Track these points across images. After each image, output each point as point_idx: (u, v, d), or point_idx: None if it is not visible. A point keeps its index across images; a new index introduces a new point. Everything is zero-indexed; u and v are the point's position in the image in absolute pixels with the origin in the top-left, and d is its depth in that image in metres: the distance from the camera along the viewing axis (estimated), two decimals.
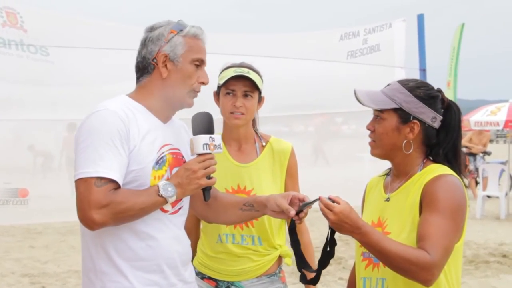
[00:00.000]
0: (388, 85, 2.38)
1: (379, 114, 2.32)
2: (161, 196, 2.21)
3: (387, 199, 2.35)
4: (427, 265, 2.06)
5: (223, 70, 2.96)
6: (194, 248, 3.06)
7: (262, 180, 2.96)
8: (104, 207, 2.12)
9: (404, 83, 2.34)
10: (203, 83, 2.39)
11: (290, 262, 3.06)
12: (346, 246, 8.83)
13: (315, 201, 2.27)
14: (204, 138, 2.29)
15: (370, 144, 2.38)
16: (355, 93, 2.32)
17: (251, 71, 2.92)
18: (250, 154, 3.01)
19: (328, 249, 2.33)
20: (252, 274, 2.96)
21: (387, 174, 2.47)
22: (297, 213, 2.36)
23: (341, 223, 2.12)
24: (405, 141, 2.29)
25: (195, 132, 2.32)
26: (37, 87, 4.84)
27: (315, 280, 2.45)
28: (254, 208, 2.52)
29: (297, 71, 5.56)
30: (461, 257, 2.30)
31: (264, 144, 3.03)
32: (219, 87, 2.96)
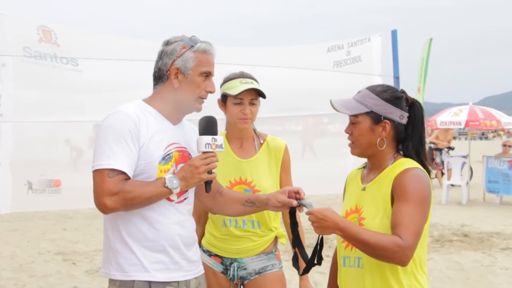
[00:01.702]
0: (358, 92, 2.34)
1: (354, 119, 2.29)
2: (167, 187, 2.21)
3: (363, 189, 2.33)
4: (400, 248, 2.04)
5: (227, 81, 2.93)
6: (203, 230, 3.06)
7: (261, 173, 2.95)
8: (115, 195, 2.14)
9: (372, 89, 2.31)
10: (210, 92, 2.38)
11: (285, 241, 3.06)
12: None
13: (308, 206, 2.27)
14: (206, 138, 2.28)
15: (349, 145, 2.35)
16: (331, 103, 2.30)
17: (254, 81, 2.91)
18: (250, 150, 2.99)
19: (316, 259, 2.34)
20: (252, 252, 2.96)
21: (364, 167, 2.45)
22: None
23: (319, 221, 2.11)
24: (379, 139, 2.27)
25: (200, 133, 2.32)
26: (68, 93, 4.83)
27: (304, 272, 2.47)
28: (256, 205, 2.52)
29: (291, 78, 5.55)
30: (427, 237, 2.28)
31: (262, 141, 3.02)
32: (225, 96, 2.92)
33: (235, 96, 2.85)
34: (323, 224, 2.11)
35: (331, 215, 2.11)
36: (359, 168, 2.48)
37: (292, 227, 2.48)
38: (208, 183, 2.33)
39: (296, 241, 2.47)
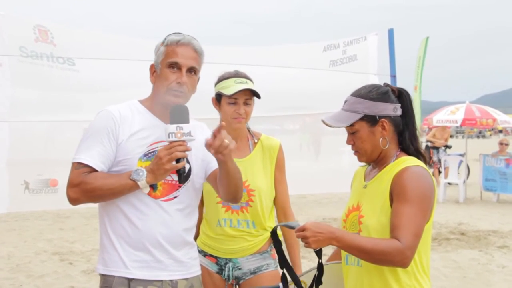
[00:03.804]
0: (345, 102, 2.31)
1: (351, 128, 2.27)
2: (132, 179, 2.21)
3: (365, 186, 2.31)
4: (399, 251, 2.02)
5: (222, 80, 2.90)
6: (197, 231, 3.05)
7: (255, 172, 2.94)
8: (75, 186, 2.23)
9: (357, 93, 2.28)
10: (180, 83, 2.29)
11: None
12: None
13: (296, 225, 2.21)
14: (171, 127, 2.18)
15: (355, 154, 2.32)
16: (323, 122, 2.27)
17: (248, 81, 2.89)
18: (244, 150, 2.98)
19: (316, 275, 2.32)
20: (247, 252, 2.95)
21: (369, 165, 2.42)
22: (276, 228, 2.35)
23: (316, 235, 2.08)
24: (381, 139, 2.25)
25: (170, 123, 2.21)
26: (65, 93, 4.83)
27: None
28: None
29: (287, 78, 5.57)
30: (429, 237, 2.25)
31: (256, 141, 3.01)
32: (220, 95, 2.90)
33: (230, 96, 2.85)
34: (320, 238, 2.08)
35: (326, 227, 2.09)
36: (364, 166, 2.46)
37: (275, 246, 2.43)
38: (179, 174, 2.25)
39: (282, 261, 2.39)
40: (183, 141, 2.19)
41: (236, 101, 2.85)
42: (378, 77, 5.76)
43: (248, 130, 3.03)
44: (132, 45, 5.12)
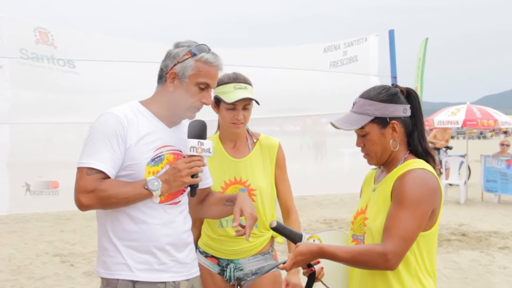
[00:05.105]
0: (354, 104, 2.28)
1: (361, 131, 2.24)
2: (147, 189, 2.20)
3: (374, 189, 2.29)
4: (379, 255, 2.02)
5: (221, 84, 2.86)
6: (199, 232, 3.05)
7: (255, 172, 2.95)
8: (90, 193, 2.16)
9: (366, 95, 2.25)
10: (205, 103, 2.35)
11: (281, 240, 3.06)
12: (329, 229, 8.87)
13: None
14: (192, 141, 2.24)
15: (365, 157, 2.30)
16: (333, 125, 2.26)
17: (247, 85, 2.87)
18: (244, 150, 2.99)
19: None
20: (249, 253, 2.96)
21: (379, 168, 2.39)
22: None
23: (302, 260, 2.15)
24: (391, 141, 2.22)
25: (189, 137, 2.28)
26: (65, 95, 4.84)
27: None
28: (234, 204, 2.49)
29: (288, 79, 5.57)
30: (435, 240, 2.23)
31: (255, 141, 3.02)
32: (219, 99, 2.88)
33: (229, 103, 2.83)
34: (305, 260, 2.14)
35: (304, 250, 2.13)
36: (375, 169, 2.44)
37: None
38: (193, 188, 2.30)
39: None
40: (201, 156, 2.26)
41: (235, 107, 2.84)
42: (378, 78, 5.77)
43: (247, 130, 3.04)
44: (132, 47, 5.14)
